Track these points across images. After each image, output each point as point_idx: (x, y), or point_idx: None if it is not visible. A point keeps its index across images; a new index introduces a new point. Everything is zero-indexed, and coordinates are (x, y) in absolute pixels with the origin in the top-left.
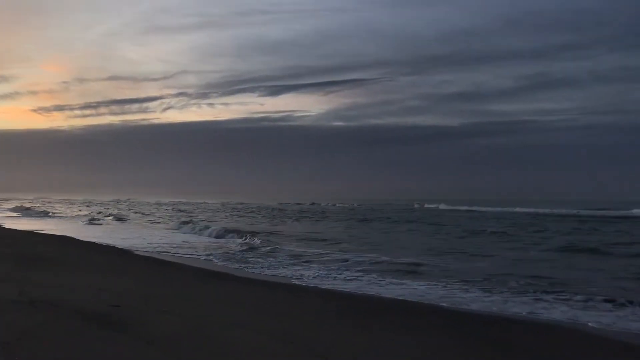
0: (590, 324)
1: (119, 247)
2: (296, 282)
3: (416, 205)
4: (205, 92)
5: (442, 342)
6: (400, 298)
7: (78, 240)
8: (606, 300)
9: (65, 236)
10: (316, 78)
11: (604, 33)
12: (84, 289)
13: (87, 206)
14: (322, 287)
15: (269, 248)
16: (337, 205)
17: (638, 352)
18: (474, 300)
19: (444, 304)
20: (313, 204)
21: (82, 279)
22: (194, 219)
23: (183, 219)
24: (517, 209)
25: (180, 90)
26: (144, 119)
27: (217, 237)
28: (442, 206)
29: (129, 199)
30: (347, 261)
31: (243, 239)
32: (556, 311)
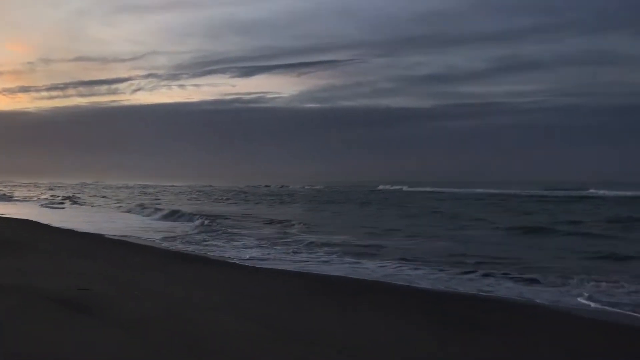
0: (539, 301)
1: (81, 230)
2: (264, 265)
3: (381, 187)
4: (176, 73)
5: (418, 321)
6: (374, 279)
7: (40, 223)
8: (557, 277)
9: (27, 220)
10: (289, 59)
11: (573, 16)
12: (51, 273)
13: (51, 189)
14: (289, 269)
15: (227, 230)
16: (306, 187)
17: (584, 323)
18: (435, 279)
19: (418, 285)
20: (282, 186)
21: (48, 263)
22: (152, 202)
23: (139, 202)
24: (482, 190)
25: (150, 72)
26: (112, 101)
27: (173, 220)
28: (405, 188)
29: (96, 182)
30: (309, 243)
31: (199, 221)
32: (514, 289)
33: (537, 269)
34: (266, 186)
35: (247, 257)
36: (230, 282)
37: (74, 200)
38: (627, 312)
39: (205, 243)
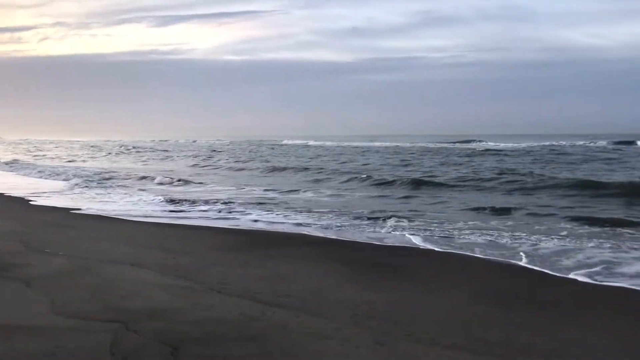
0: (442, 249)
1: None
2: (164, 221)
3: (285, 142)
4: (87, 22)
5: (338, 269)
6: (285, 231)
7: None
8: (450, 227)
9: None
10: (208, 8)
11: None
12: None
13: None
14: (198, 223)
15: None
16: (216, 141)
17: (484, 267)
18: (342, 229)
19: (331, 236)
20: (195, 141)
21: None
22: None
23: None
24: (388, 143)
25: (57, 20)
26: (16, 51)
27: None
28: (312, 142)
29: None
30: (205, 199)
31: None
32: (418, 237)
33: (435, 221)
34: (176, 141)
35: (149, 212)
36: (142, 237)
37: None
38: (513, 261)
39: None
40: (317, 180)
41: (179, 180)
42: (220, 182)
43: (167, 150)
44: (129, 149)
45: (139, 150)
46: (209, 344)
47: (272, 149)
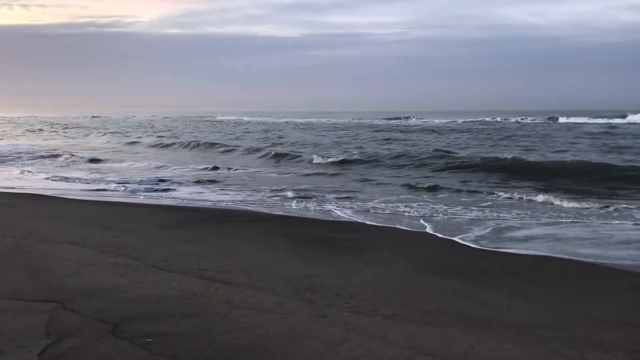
0: (382, 224)
1: None
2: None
3: (220, 117)
4: None
5: (281, 244)
6: (227, 208)
7: None
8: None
9: None
10: None
11: None
12: None
13: None
14: (139, 201)
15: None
16: (153, 117)
17: (423, 239)
18: (281, 205)
19: (275, 212)
20: (134, 116)
21: None
22: None
23: None
24: (326, 120)
25: None
26: None
27: None
28: (247, 118)
29: None
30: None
31: None
32: (359, 213)
33: (371, 197)
34: (107, 117)
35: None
36: (82, 216)
37: None
38: (453, 239)
39: None
40: (235, 156)
41: (93, 160)
42: (143, 159)
43: (89, 128)
44: (53, 126)
45: (66, 127)
46: (150, 321)
47: (197, 125)
